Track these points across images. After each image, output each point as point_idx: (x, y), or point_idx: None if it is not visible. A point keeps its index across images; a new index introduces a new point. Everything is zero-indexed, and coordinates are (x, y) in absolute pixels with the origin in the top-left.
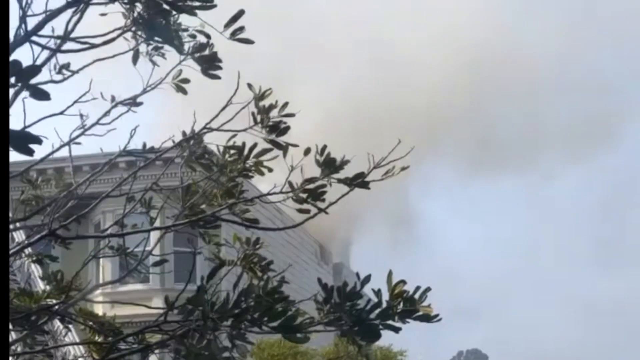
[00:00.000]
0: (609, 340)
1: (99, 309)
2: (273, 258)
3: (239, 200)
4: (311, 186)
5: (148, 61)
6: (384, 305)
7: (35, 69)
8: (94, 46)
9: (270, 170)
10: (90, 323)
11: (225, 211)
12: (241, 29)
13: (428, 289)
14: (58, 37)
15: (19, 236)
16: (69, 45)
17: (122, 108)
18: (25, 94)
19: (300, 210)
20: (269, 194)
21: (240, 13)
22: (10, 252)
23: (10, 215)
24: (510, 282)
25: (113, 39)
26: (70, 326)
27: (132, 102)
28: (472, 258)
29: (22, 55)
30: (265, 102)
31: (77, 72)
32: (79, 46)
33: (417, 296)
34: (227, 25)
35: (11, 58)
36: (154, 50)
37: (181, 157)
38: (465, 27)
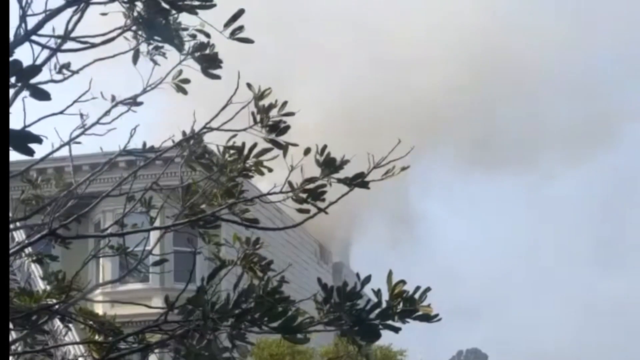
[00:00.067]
0: (609, 340)
1: (99, 309)
2: (273, 258)
3: (239, 200)
4: (311, 186)
5: (148, 61)
6: (384, 305)
7: (35, 69)
8: (94, 46)
9: (270, 170)
10: (91, 322)
11: (225, 211)
12: (241, 28)
13: (428, 289)
14: (58, 37)
15: (19, 236)
16: (69, 45)
17: (122, 108)
18: (25, 93)
19: (300, 210)
20: (269, 193)
21: (240, 12)
22: (10, 251)
23: (10, 214)
24: (510, 282)
25: (113, 39)
26: (70, 326)
27: (132, 102)
28: (472, 258)
29: (22, 54)
30: (265, 102)
31: (77, 71)
32: (79, 46)
33: (417, 296)
34: (226, 25)
35: (11, 58)
36: (154, 49)
37: (181, 157)
38: (465, 27)
